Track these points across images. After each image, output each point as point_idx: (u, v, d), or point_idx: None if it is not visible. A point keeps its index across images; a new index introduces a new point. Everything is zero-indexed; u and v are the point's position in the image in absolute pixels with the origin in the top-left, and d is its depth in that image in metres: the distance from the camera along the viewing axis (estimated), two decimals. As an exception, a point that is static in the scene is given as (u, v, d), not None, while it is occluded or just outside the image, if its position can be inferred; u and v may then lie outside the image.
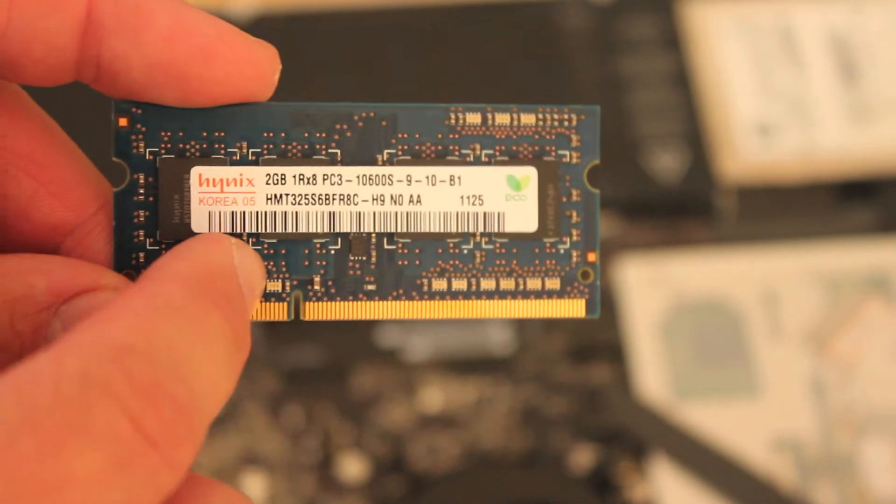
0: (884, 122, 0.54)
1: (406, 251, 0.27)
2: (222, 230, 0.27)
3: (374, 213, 0.27)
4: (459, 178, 0.28)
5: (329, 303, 0.27)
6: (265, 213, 0.27)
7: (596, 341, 0.50)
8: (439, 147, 0.28)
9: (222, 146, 0.27)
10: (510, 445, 0.48)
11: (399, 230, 0.27)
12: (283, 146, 0.27)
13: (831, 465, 0.47)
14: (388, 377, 0.50)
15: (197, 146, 0.27)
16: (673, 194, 0.52)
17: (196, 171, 0.27)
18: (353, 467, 0.48)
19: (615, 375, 0.50)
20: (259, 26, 0.55)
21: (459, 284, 0.28)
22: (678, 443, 0.47)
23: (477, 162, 0.28)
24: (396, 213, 0.27)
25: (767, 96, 0.55)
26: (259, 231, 0.27)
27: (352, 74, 0.54)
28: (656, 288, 0.51)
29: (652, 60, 0.54)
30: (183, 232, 0.27)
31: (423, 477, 0.48)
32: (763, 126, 0.54)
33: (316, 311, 0.27)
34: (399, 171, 0.27)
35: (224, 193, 0.27)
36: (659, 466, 0.47)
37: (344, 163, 0.27)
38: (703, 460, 0.47)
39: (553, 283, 0.28)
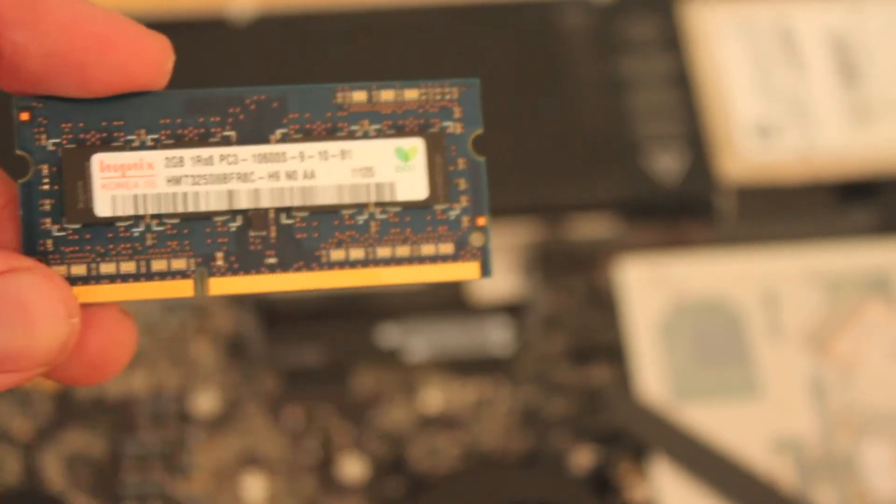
0: (884, 123, 0.54)
1: (304, 224, 0.29)
2: (125, 213, 0.28)
3: (271, 190, 0.29)
4: (350, 152, 0.29)
5: (233, 277, 0.28)
6: (166, 194, 0.28)
7: (596, 341, 0.50)
8: (329, 125, 0.29)
9: (122, 134, 0.28)
10: (510, 446, 0.48)
11: (295, 204, 0.29)
12: (179, 131, 0.29)
13: (831, 465, 0.47)
14: (388, 377, 0.50)
15: (97, 135, 0.28)
16: (673, 195, 0.52)
17: (97, 158, 0.28)
18: (353, 468, 0.48)
19: (615, 376, 0.50)
20: (259, 26, 0.55)
21: (357, 254, 0.29)
22: (678, 443, 0.47)
23: (366, 136, 0.29)
24: (292, 189, 0.29)
25: (767, 97, 0.55)
26: (161, 212, 0.28)
27: (352, 74, 0.54)
28: (656, 288, 0.51)
29: (652, 60, 0.54)
30: (88, 216, 0.28)
31: (423, 477, 0.48)
32: (763, 126, 0.54)
33: (221, 286, 0.28)
34: (292, 149, 0.29)
35: (126, 178, 0.28)
36: (659, 467, 0.47)
37: (239, 144, 0.29)
38: (703, 461, 0.47)
39: (447, 248, 0.29)
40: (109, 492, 0.47)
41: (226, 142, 0.29)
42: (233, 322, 0.50)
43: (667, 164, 0.52)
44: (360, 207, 0.29)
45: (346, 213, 0.29)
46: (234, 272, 0.29)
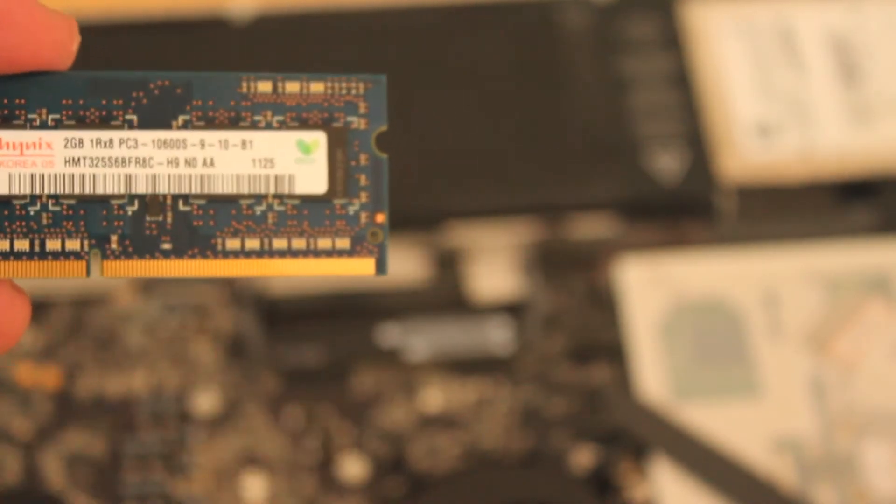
0: (884, 123, 0.54)
1: (201, 212, 0.29)
2: (22, 191, 0.28)
3: (169, 176, 0.29)
4: (251, 142, 0.29)
5: (126, 261, 0.29)
6: (63, 175, 0.28)
7: (596, 341, 0.50)
8: (232, 114, 0.29)
9: (23, 112, 0.28)
10: (510, 445, 0.48)
11: (193, 192, 0.29)
12: (81, 113, 0.28)
13: (831, 465, 0.47)
14: (388, 377, 0.50)
15: None
16: (673, 195, 0.52)
17: None
18: (353, 467, 0.48)
19: (615, 375, 0.50)
20: (259, 26, 0.55)
21: (252, 244, 0.29)
22: (678, 443, 0.47)
23: (268, 127, 0.29)
24: (190, 176, 0.29)
25: (767, 96, 0.55)
26: (58, 192, 0.28)
27: (351, 74, 0.54)
28: (656, 288, 0.51)
29: (652, 60, 0.54)
30: None
31: (423, 477, 0.48)
32: (763, 126, 0.54)
33: (114, 269, 0.29)
34: (193, 136, 0.29)
35: (24, 156, 0.28)
36: (659, 466, 0.47)
37: (140, 128, 0.29)
38: (703, 460, 0.47)
39: (343, 243, 0.29)
40: (109, 492, 0.47)
41: (127, 125, 0.29)
42: (233, 322, 0.50)
43: (667, 163, 0.52)
44: (259, 198, 0.29)
45: (244, 202, 0.29)
46: (129, 256, 0.29)
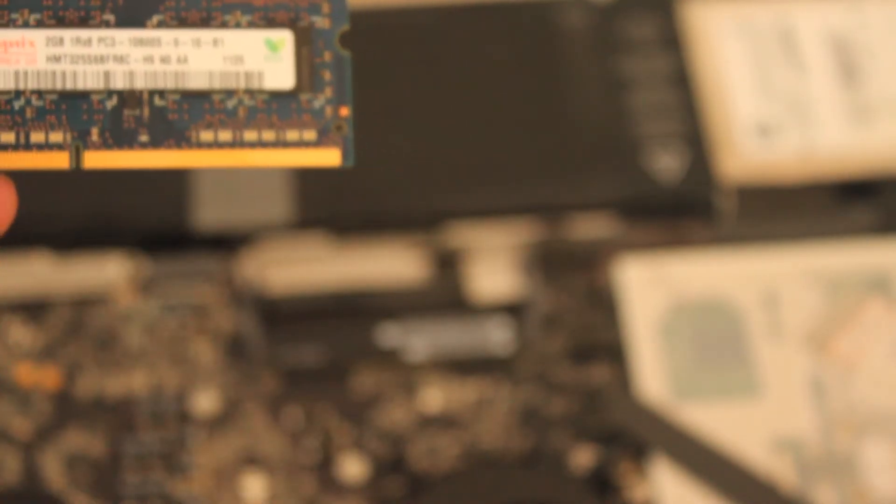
0: (884, 122, 0.54)
1: (175, 106, 0.30)
2: (6, 87, 0.30)
3: (145, 72, 0.30)
4: (222, 40, 0.31)
5: (107, 152, 0.30)
6: (46, 71, 0.30)
7: (596, 341, 0.50)
8: (204, 14, 0.31)
9: (6, 13, 0.30)
10: (510, 445, 0.48)
11: (168, 87, 0.30)
12: (61, 13, 0.30)
13: (831, 465, 0.47)
14: (388, 377, 0.50)
15: None
16: (673, 195, 0.52)
17: None
18: (353, 467, 0.48)
19: (615, 375, 0.50)
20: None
21: (225, 136, 0.31)
22: (678, 443, 0.47)
23: (238, 27, 0.31)
24: (165, 72, 0.30)
25: (767, 96, 0.55)
26: (41, 88, 0.30)
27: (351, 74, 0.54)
28: (656, 288, 0.51)
29: (652, 60, 0.54)
30: None
31: (423, 477, 0.48)
32: (763, 126, 0.54)
33: (95, 159, 0.30)
34: (167, 35, 0.30)
35: (7, 54, 0.30)
36: (659, 466, 0.47)
37: (117, 27, 0.30)
38: (703, 460, 0.47)
39: (310, 135, 0.31)
40: (109, 492, 0.47)
41: (105, 25, 0.30)
42: (233, 322, 0.50)
43: (667, 163, 0.52)
44: (230, 93, 0.31)
45: (216, 97, 0.31)
46: (109, 147, 0.30)
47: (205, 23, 0.31)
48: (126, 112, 0.30)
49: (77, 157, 0.30)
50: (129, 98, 0.30)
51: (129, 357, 0.50)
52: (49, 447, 0.48)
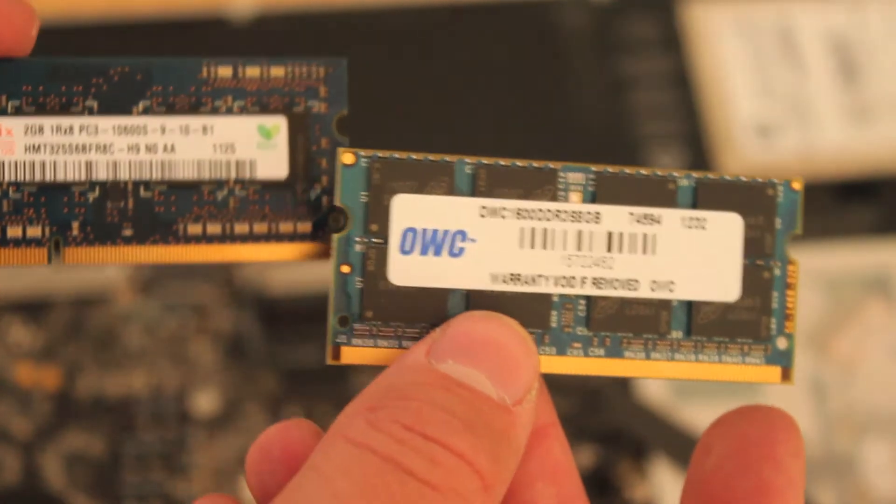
0: (884, 122, 0.54)
1: (162, 198, 0.29)
2: None
3: (130, 162, 0.28)
4: (212, 127, 0.29)
5: (88, 248, 0.28)
6: (24, 162, 0.28)
7: (596, 341, 0.50)
8: (193, 99, 0.29)
9: None
10: (510, 445, 0.48)
11: (154, 178, 0.29)
12: (41, 99, 0.28)
13: (831, 465, 0.47)
14: (388, 377, 0.50)
15: None
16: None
17: None
18: (353, 467, 0.48)
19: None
20: (259, 26, 0.55)
21: (214, 229, 0.29)
22: (678, 443, 0.47)
23: (229, 112, 0.29)
24: (151, 162, 0.29)
25: (767, 96, 0.55)
26: (19, 179, 0.28)
27: (351, 74, 0.54)
28: (656, 288, 0.51)
29: (652, 60, 0.54)
30: None
31: (423, 477, 0.48)
32: (763, 126, 0.54)
33: (76, 255, 0.28)
34: (153, 122, 0.29)
35: None
36: (659, 466, 0.47)
37: (101, 115, 0.28)
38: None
39: (304, 227, 0.29)
40: (109, 492, 0.47)
41: (87, 111, 0.28)
42: (233, 322, 0.50)
43: (667, 163, 0.52)
44: (220, 183, 0.29)
45: (205, 188, 0.29)
46: (90, 242, 0.28)
47: (194, 108, 0.29)
48: (109, 205, 0.28)
49: (56, 253, 0.28)
50: (112, 190, 0.28)
51: (129, 357, 0.50)
52: (49, 447, 0.48)
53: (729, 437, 0.28)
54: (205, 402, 0.49)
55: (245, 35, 0.54)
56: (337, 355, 0.28)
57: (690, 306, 0.28)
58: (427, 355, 0.26)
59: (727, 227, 0.29)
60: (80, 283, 0.50)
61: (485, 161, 0.28)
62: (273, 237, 0.29)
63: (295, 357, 0.49)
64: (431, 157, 0.28)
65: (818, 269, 0.51)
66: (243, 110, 0.29)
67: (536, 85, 0.54)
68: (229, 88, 0.29)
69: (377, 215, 0.27)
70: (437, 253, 0.28)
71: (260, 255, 0.29)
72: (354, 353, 0.28)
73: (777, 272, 0.29)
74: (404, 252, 0.27)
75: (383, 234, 0.27)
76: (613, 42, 0.55)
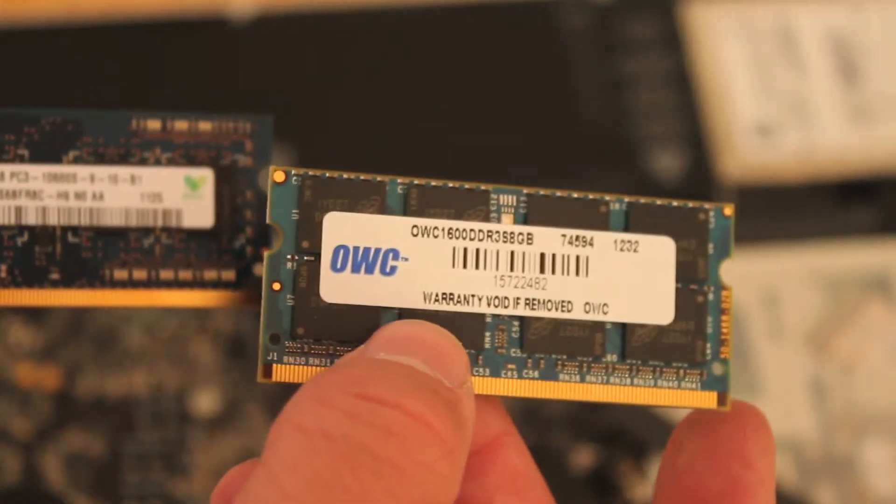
0: (884, 122, 0.54)
1: (90, 244, 0.29)
2: None
3: (59, 209, 0.29)
4: (140, 177, 0.30)
5: (16, 290, 0.29)
6: None
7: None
8: (122, 150, 0.30)
9: None
10: (510, 445, 0.48)
11: (83, 224, 0.29)
12: None
13: (831, 465, 0.47)
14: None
15: None
16: (673, 194, 0.52)
17: None
18: (353, 467, 0.48)
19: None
20: (259, 26, 0.55)
21: (140, 275, 0.30)
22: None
23: (157, 164, 0.30)
24: (80, 209, 0.29)
25: (767, 96, 0.55)
26: None
27: (352, 74, 0.54)
28: (656, 288, 0.51)
29: (652, 60, 0.54)
30: None
31: (423, 477, 0.48)
32: (763, 126, 0.54)
33: (4, 297, 0.29)
34: (83, 171, 0.29)
35: None
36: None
37: (31, 162, 0.29)
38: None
39: (229, 275, 0.30)
40: (109, 492, 0.47)
41: (19, 159, 0.29)
42: (233, 322, 0.50)
43: (667, 163, 0.52)
44: (147, 231, 0.30)
45: (132, 235, 0.30)
46: (18, 285, 0.29)
47: (123, 159, 0.30)
48: (38, 249, 0.29)
49: None
50: (41, 235, 0.29)
51: (130, 357, 0.50)
52: (49, 447, 0.48)
53: (699, 435, 0.28)
54: (205, 402, 0.49)
55: (245, 35, 0.54)
56: (268, 373, 0.28)
57: (624, 329, 0.28)
58: (360, 355, 0.26)
59: (659, 251, 0.29)
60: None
61: (416, 181, 0.28)
62: (197, 284, 0.30)
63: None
64: (363, 176, 0.28)
65: (818, 269, 0.51)
66: (171, 162, 0.30)
67: (536, 85, 0.54)
68: (157, 141, 0.30)
69: (308, 233, 0.28)
70: (370, 271, 0.28)
71: (185, 300, 0.30)
72: (286, 371, 0.28)
73: (711, 297, 0.29)
74: (336, 269, 0.28)
75: (315, 251, 0.28)
76: (613, 42, 0.55)
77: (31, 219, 0.29)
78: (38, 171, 0.29)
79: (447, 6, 0.55)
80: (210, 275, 0.30)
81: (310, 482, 0.23)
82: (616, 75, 0.54)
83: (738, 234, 0.52)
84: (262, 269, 0.28)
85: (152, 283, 0.30)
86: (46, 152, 0.29)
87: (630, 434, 0.48)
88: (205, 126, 0.30)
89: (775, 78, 0.55)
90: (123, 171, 0.30)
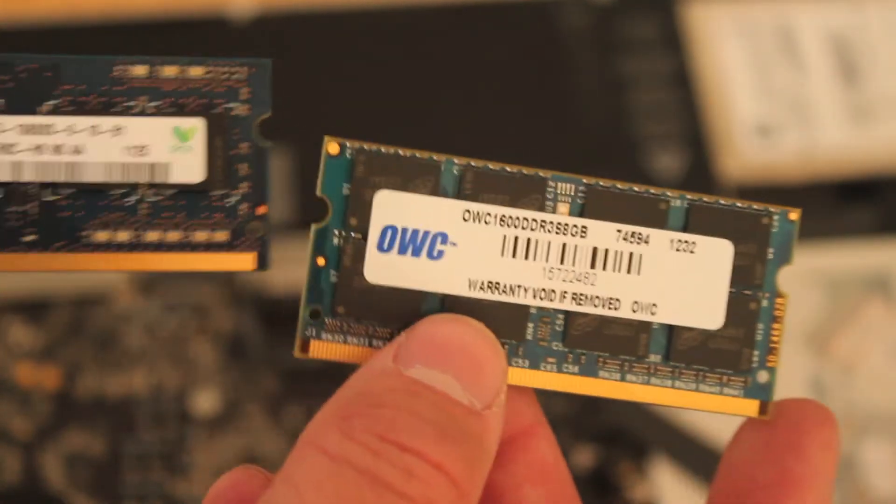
0: (884, 122, 0.54)
1: (68, 202, 0.27)
2: None
3: (35, 163, 0.27)
4: (124, 128, 0.27)
5: None
6: None
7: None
8: (104, 99, 0.27)
9: None
10: (510, 445, 0.48)
11: (60, 180, 0.27)
12: None
13: (831, 465, 0.47)
14: (388, 377, 0.50)
15: None
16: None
17: None
18: (353, 467, 0.48)
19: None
20: (259, 26, 0.55)
21: (123, 236, 0.27)
22: (678, 443, 0.47)
23: (143, 113, 0.27)
24: (57, 163, 0.27)
25: (767, 96, 0.55)
26: None
27: (351, 75, 0.54)
28: (656, 288, 0.51)
29: (652, 60, 0.54)
30: None
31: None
32: (763, 126, 0.54)
33: None
34: (60, 121, 0.27)
35: None
36: (659, 466, 0.47)
37: (6, 113, 0.27)
38: (703, 460, 0.47)
39: (221, 236, 0.28)
40: (109, 492, 0.47)
41: None
42: (233, 322, 0.50)
43: (667, 163, 0.52)
44: (131, 188, 0.27)
45: (115, 192, 0.27)
46: None
47: (105, 108, 0.27)
48: (11, 208, 0.27)
49: None
50: (14, 192, 0.27)
51: (130, 357, 0.50)
52: (49, 447, 0.48)
53: (759, 429, 0.28)
54: (205, 402, 0.49)
55: (245, 35, 0.54)
56: (305, 348, 0.27)
57: (671, 331, 0.28)
58: (394, 360, 0.26)
59: (717, 254, 0.28)
60: (81, 283, 0.50)
61: (473, 163, 0.27)
62: (187, 246, 0.27)
63: (295, 357, 0.49)
64: (419, 154, 0.27)
65: (818, 269, 0.51)
66: (158, 111, 0.27)
67: (536, 85, 0.54)
68: (144, 88, 0.27)
69: (358, 209, 0.27)
70: (416, 254, 0.27)
71: (173, 264, 0.27)
72: (323, 348, 0.27)
73: (765, 303, 0.29)
74: (382, 250, 0.27)
75: (362, 229, 0.27)
76: (613, 42, 0.55)
77: (3, 175, 0.27)
78: (11, 122, 0.27)
79: (447, 6, 0.55)
80: (201, 236, 0.27)
81: (335, 499, 0.23)
82: (616, 75, 0.54)
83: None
84: (258, 229, 0.27)
85: (137, 246, 0.27)
86: (21, 102, 0.27)
87: (630, 434, 0.48)
88: (196, 71, 0.27)
89: (775, 78, 0.55)
90: (105, 122, 0.27)
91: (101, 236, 0.27)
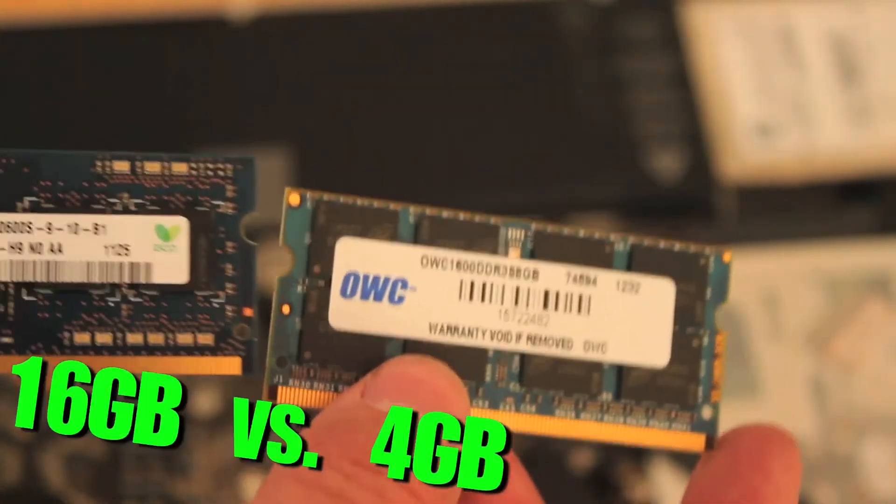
0: (884, 123, 0.54)
1: (46, 303, 0.26)
2: None
3: (11, 262, 0.26)
4: (104, 226, 0.26)
5: None
6: None
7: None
8: (85, 196, 0.26)
9: None
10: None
11: (38, 280, 0.26)
12: None
13: (831, 465, 0.47)
14: (388, 377, 0.49)
15: None
16: (673, 195, 0.52)
17: None
18: (353, 467, 0.48)
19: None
20: (259, 26, 0.55)
21: (104, 339, 0.26)
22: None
23: (125, 211, 0.26)
24: (35, 263, 0.26)
25: (767, 96, 0.55)
26: None
27: (351, 75, 0.54)
28: (656, 288, 0.51)
29: (652, 60, 0.54)
30: None
31: (423, 477, 0.48)
32: (763, 126, 0.54)
33: None
34: (39, 219, 0.26)
35: None
36: (659, 466, 0.47)
37: None
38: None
39: (206, 339, 0.27)
40: (109, 492, 0.47)
41: None
42: (233, 322, 0.50)
43: (667, 163, 0.52)
44: (112, 288, 0.26)
45: (95, 293, 0.26)
46: None
47: (85, 205, 0.26)
48: None
49: None
50: None
51: (129, 357, 0.50)
52: (49, 447, 0.48)
53: (726, 450, 0.29)
54: (205, 402, 0.49)
55: (245, 35, 0.54)
56: (273, 395, 0.27)
57: (621, 369, 0.28)
58: (363, 396, 0.26)
59: (660, 293, 0.29)
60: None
61: (428, 212, 0.28)
62: (170, 349, 0.26)
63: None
64: (376, 203, 0.28)
65: (818, 269, 0.51)
66: (140, 209, 0.26)
67: (536, 85, 0.54)
68: (126, 185, 0.26)
69: (320, 257, 0.27)
70: (378, 299, 0.27)
71: (155, 366, 0.26)
72: (291, 394, 0.27)
73: (706, 341, 0.29)
74: (345, 296, 0.27)
75: (325, 276, 0.27)
76: (613, 42, 0.55)
77: None
78: None
79: (447, 6, 0.55)
80: (185, 339, 0.26)
81: None
82: (616, 75, 0.54)
83: (738, 234, 0.52)
84: (244, 332, 0.27)
85: (118, 349, 0.26)
86: None
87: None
88: (179, 168, 0.26)
89: (775, 78, 0.55)
90: (85, 220, 0.26)
91: (81, 338, 0.26)
